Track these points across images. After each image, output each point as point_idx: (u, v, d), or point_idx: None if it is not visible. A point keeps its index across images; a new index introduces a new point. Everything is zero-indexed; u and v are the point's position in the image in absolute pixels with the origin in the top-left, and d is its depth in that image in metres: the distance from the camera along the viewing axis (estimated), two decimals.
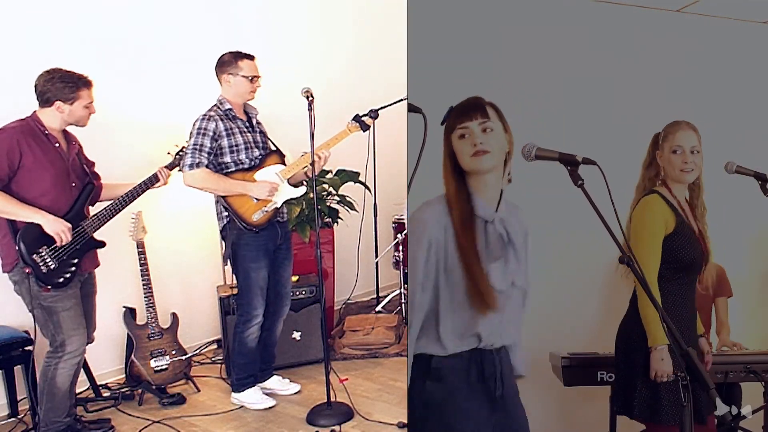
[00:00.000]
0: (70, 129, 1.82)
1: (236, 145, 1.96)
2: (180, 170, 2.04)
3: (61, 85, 1.69)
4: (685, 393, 1.00)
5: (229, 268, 2.14)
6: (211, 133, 1.91)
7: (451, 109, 1.09)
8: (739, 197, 1.69)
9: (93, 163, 1.90)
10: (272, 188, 1.95)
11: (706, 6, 1.99)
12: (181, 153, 2.07)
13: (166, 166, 2.03)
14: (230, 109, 1.98)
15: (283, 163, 2.05)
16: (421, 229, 1.05)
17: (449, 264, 1.04)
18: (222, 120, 1.94)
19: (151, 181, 1.96)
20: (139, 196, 1.93)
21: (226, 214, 1.97)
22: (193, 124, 1.95)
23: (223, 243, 2.04)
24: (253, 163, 1.99)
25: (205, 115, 1.94)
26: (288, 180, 2.03)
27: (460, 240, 1.03)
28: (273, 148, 2.08)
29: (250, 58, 1.98)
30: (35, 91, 1.71)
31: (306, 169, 2.04)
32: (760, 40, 2.12)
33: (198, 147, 1.90)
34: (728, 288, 2.00)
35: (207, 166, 1.91)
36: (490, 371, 1.08)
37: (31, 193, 1.68)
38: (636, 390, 1.41)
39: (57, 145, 1.74)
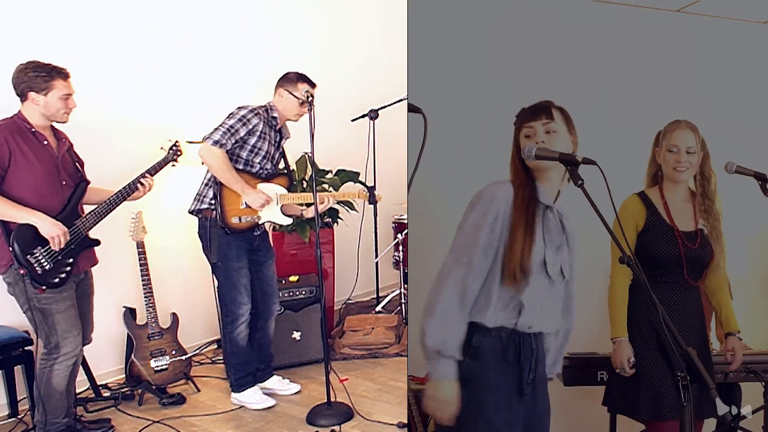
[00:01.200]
0: (59, 126, 1.78)
1: (259, 149, 1.98)
2: (174, 165, 2.01)
3: (33, 75, 1.64)
4: (685, 393, 1.00)
5: None
6: (250, 126, 1.93)
7: (522, 109, 1.18)
8: (739, 197, 1.69)
9: (83, 163, 1.86)
10: (265, 202, 1.97)
11: (706, 6, 1.99)
12: (175, 147, 2.06)
13: (158, 162, 1.99)
14: (276, 118, 2.01)
15: (288, 189, 2.07)
16: (490, 200, 1.11)
17: (507, 238, 1.11)
18: (264, 123, 1.97)
19: (133, 187, 1.87)
20: (126, 197, 1.86)
21: (213, 201, 1.97)
22: (239, 108, 1.95)
23: (198, 226, 2.01)
24: (260, 172, 2.01)
25: (255, 109, 1.96)
26: (283, 206, 2.04)
27: (524, 217, 1.10)
28: (284, 170, 2.10)
29: (310, 83, 2.00)
30: (12, 85, 1.67)
31: (303, 209, 2.09)
32: (760, 40, 2.12)
33: (232, 130, 1.91)
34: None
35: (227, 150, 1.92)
36: (527, 354, 1.13)
37: (22, 192, 1.65)
38: (639, 389, 1.42)
39: (45, 142, 1.71)
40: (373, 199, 2.14)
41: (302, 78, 2.00)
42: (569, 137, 1.16)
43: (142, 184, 1.89)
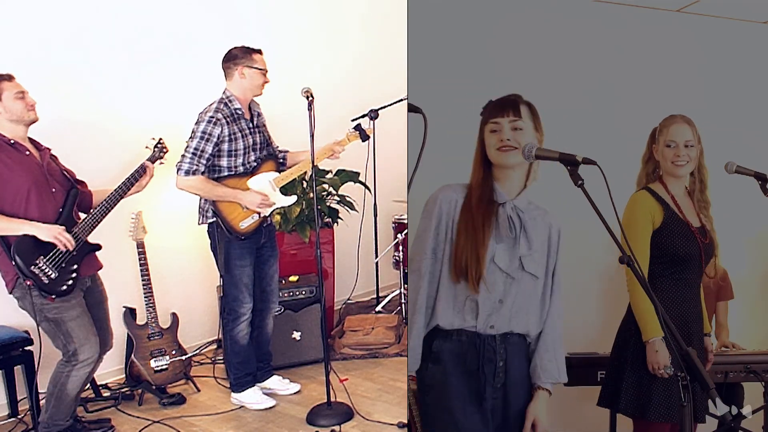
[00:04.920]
0: (39, 139, 1.77)
1: (235, 150, 1.95)
2: (162, 163, 2.01)
3: None
4: (685, 393, 1.00)
5: None
6: (215, 139, 1.90)
7: (490, 102, 1.15)
8: (739, 197, 1.69)
9: (70, 171, 1.84)
10: (263, 200, 1.95)
11: (706, 6, 1.99)
12: (159, 145, 2.04)
13: (148, 160, 1.99)
14: (239, 109, 1.96)
15: (278, 170, 2.05)
16: (433, 204, 1.13)
17: (455, 238, 1.10)
18: (228, 123, 1.92)
19: (139, 174, 1.90)
20: (127, 191, 1.87)
21: (210, 214, 1.96)
22: (198, 123, 1.92)
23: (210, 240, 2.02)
24: (246, 168, 1.99)
25: (212, 117, 1.91)
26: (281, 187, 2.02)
27: (473, 217, 1.09)
28: (269, 152, 2.07)
29: (260, 52, 1.99)
30: None
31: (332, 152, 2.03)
32: (760, 40, 2.12)
33: (198, 153, 1.89)
34: (730, 291, 2.00)
35: (203, 172, 1.90)
36: (489, 357, 1.10)
37: (12, 205, 1.65)
38: (623, 385, 1.42)
39: (27, 153, 1.71)
40: (364, 135, 2.06)
41: (249, 50, 1.95)
42: (535, 134, 1.14)
43: (139, 174, 1.89)
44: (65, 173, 1.81)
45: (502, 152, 1.11)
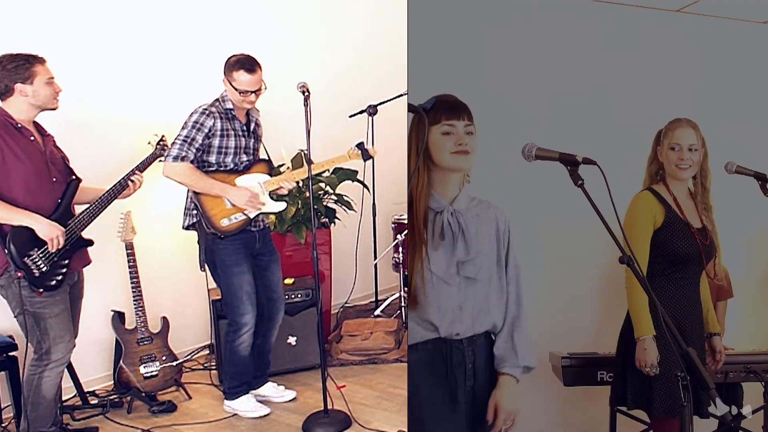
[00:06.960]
0: (40, 122, 1.73)
1: (225, 148, 1.91)
2: (161, 160, 1.96)
3: (13, 67, 1.60)
4: (685, 393, 0.99)
5: None
6: (206, 130, 1.86)
7: (435, 100, 1.11)
8: (739, 197, 1.70)
9: (68, 159, 1.80)
10: (252, 198, 1.89)
11: (706, 6, 2.00)
12: (162, 142, 2.00)
13: (146, 158, 1.94)
14: (231, 110, 1.92)
15: (270, 174, 2.00)
16: None
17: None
18: (221, 119, 1.89)
19: (127, 181, 1.83)
20: (117, 195, 1.81)
21: (196, 212, 1.91)
22: (190, 115, 1.89)
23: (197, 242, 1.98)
24: (237, 165, 1.94)
25: (205, 109, 1.88)
26: (272, 192, 1.97)
27: (418, 234, 1.08)
28: (263, 156, 2.03)
29: (251, 71, 1.83)
30: None
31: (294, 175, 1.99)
32: (760, 40, 2.14)
33: (188, 140, 1.84)
34: (730, 291, 2.01)
35: (191, 161, 1.86)
36: (459, 360, 1.11)
37: (13, 191, 1.61)
38: (628, 381, 1.46)
39: (32, 138, 1.66)
40: (367, 155, 2.01)
41: (239, 65, 1.82)
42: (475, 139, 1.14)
43: (132, 181, 1.85)
44: (65, 161, 1.76)
45: (458, 156, 1.09)
